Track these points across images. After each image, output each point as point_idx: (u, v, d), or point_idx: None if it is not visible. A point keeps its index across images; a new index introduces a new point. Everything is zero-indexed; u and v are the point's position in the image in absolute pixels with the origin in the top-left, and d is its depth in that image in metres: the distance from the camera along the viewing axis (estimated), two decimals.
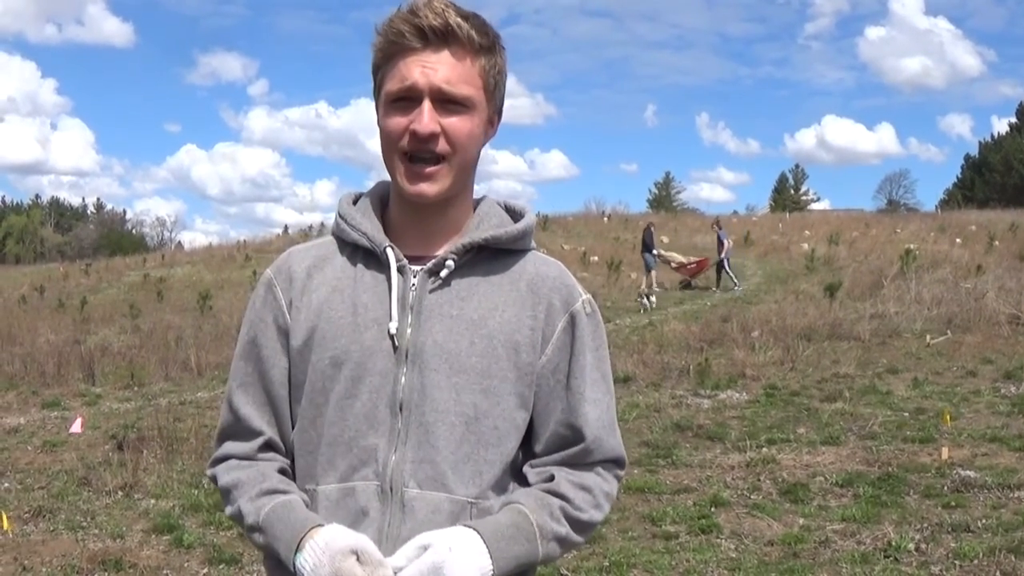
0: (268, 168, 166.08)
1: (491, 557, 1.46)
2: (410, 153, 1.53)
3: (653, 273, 24.61)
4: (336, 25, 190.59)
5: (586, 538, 1.65)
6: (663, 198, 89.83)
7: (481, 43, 1.54)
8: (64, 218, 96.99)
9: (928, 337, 14.02)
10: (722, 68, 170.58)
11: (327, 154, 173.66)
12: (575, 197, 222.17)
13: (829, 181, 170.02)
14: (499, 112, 1.64)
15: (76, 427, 9.30)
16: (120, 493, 7.14)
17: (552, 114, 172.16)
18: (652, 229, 26.70)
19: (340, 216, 1.64)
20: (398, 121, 1.53)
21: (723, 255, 24.68)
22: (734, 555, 5.65)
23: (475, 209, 1.67)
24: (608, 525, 6.22)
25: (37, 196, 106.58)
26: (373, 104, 1.60)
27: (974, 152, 78.70)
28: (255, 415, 1.63)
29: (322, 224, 46.93)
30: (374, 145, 1.60)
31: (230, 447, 1.65)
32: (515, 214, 1.70)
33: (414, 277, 1.57)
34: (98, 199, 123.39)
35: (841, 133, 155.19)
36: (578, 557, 5.63)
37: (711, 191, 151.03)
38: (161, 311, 22.65)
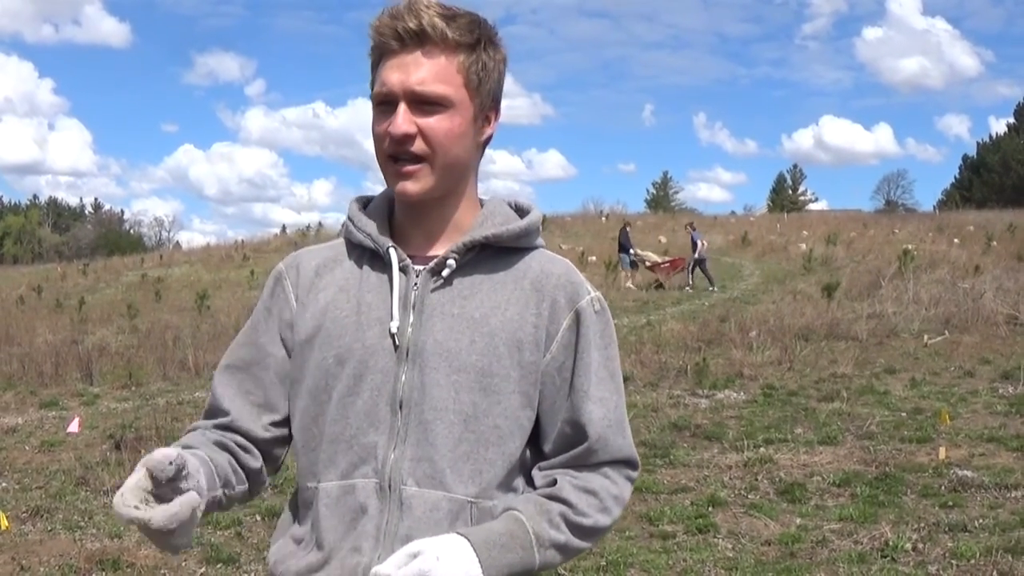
0: (265, 168, 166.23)
1: (481, 566, 1.44)
2: (393, 155, 1.55)
3: (630, 272, 25.46)
4: (333, 25, 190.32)
5: (593, 543, 1.62)
6: (661, 198, 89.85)
7: (459, 40, 1.53)
8: (62, 218, 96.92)
9: (926, 337, 14.04)
10: (719, 68, 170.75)
11: (324, 154, 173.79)
12: (573, 197, 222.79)
13: (827, 181, 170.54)
14: (494, 108, 1.63)
15: (74, 427, 9.29)
16: None
17: (550, 114, 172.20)
18: (628, 229, 27.15)
19: (348, 219, 1.67)
20: (381, 125, 1.55)
21: (696, 255, 24.93)
22: (731, 555, 5.65)
23: (481, 208, 1.67)
24: None
25: (35, 196, 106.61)
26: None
27: (972, 152, 78.82)
28: (227, 396, 1.65)
29: (320, 224, 46.96)
30: (371, 145, 1.60)
31: (198, 422, 1.69)
32: (523, 212, 1.69)
33: (416, 277, 1.57)
34: (96, 199, 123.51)
35: (839, 133, 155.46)
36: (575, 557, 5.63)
37: (709, 191, 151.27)
38: (159, 311, 22.66)
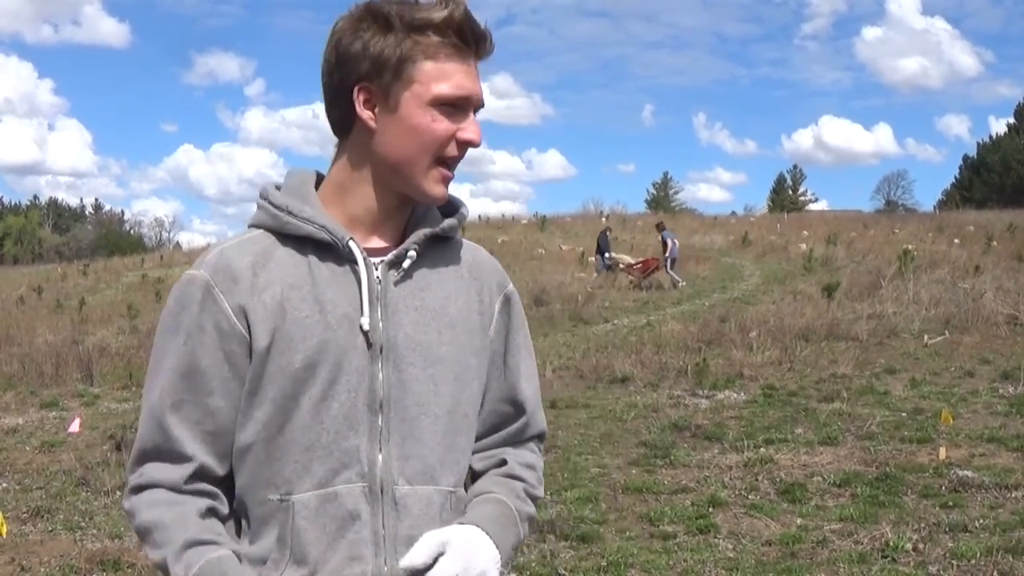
0: (265, 168, 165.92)
1: (497, 548, 1.50)
2: (447, 159, 1.52)
3: (603, 274, 26.48)
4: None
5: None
6: (661, 198, 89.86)
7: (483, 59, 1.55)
8: (62, 219, 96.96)
9: (926, 337, 14.03)
10: (719, 68, 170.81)
11: (324, 154, 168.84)
12: (573, 197, 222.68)
13: (827, 182, 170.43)
14: None
15: (74, 427, 9.30)
16: (118, 493, 7.13)
17: (549, 114, 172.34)
18: (607, 233, 28.56)
19: (280, 208, 1.53)
20: (447, 126, 1.50)
21: (667, 255, 25.53)
22: (732, 555, 5.65)
23: None
24: (606, 525, 6.23)
25: (35, 197, 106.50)
26: (363, 90, 1.50)
27: (972, 152, 78.78)
28: (188, 437, 1.49)
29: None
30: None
31: (154, 472, 1.51)
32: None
33: (376, 270, 1.54)
34: (96, 200, 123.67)
35: (838, 133, 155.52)
36: (576, 557, 5.64)
37: (709, 191, 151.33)
38: (159, 311, 22.53)
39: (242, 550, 1.50)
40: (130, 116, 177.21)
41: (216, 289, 1.48)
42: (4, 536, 6.03)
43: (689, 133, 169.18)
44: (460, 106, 1.50)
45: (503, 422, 1.69)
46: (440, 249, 1.61)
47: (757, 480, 7.17)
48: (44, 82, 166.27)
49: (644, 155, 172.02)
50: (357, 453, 1.48)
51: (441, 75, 1.48)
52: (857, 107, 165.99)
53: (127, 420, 9.41)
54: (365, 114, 1.49)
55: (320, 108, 1.58)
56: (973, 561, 5.30)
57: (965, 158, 79.06)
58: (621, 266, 26.69)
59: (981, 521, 5.98)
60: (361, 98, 1.49)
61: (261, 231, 1.55)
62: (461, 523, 1.51)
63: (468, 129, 1.51)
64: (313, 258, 1.51)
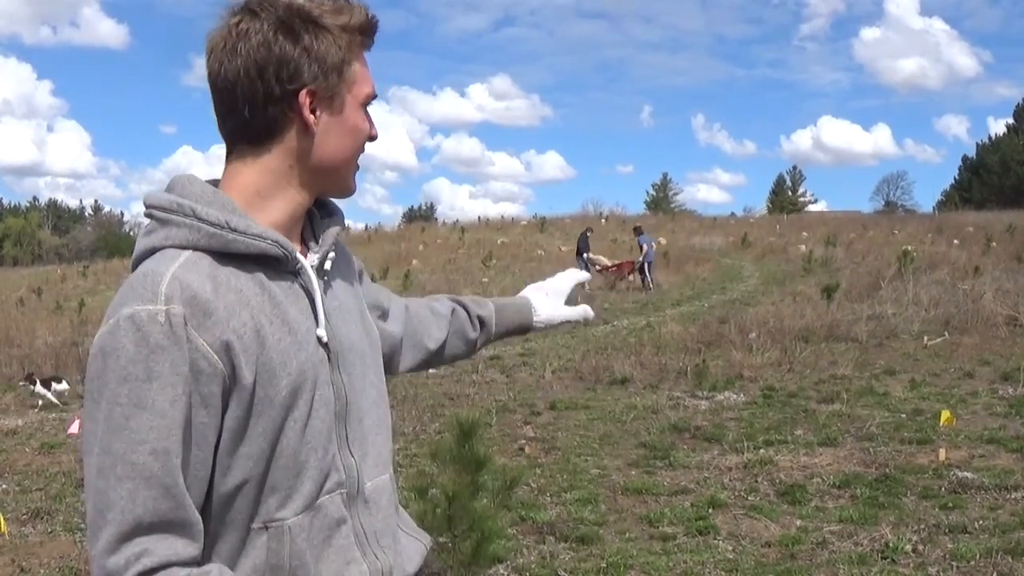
0: None
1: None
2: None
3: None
4: None
5: None
6: (661, 200, 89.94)
7: None
8: (62, 220, 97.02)
9: (925, 338, 14.03)
10: (718, 69, 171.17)
11: None
12: (572, 199, 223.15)
13: (826, 182, 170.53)
14: None
15: (74, 429, 9.29)
16: None
17: (548, 115, 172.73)
18: (588, 235, 28.88)
19: (218, 224, 1.38)
20: (368, 125, 1.53)
21: (642, 258, 25.89)
22: (731, 556, 5.65)
23: None
24: (605, 526, 6.23)
25: (34, 198, 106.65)
26: (309, 93, 1.44)
27: (971, 153, 78.94)
28: (190, 497, 1.33)
29: None
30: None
31: (166, 548, 1.29)
32: None
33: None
34: (95, 201, 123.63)
35: (837, 134, 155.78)
36: (575, 558, 5.64)
37: (708, 192, 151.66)
38: None
39: None
40: (129, 117, 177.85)
41: (188, 327, 1.30)
42: (4, 536, 6.04)
43: (688, 134, 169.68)
44: (369, 104, 1.54)
45: (409, 320, 1.88)
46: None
47: (757, 481, 7.17)
48: (43, 83, 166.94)
49: (643, 156, 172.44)
50: (335, 462, 1.48)
51: (364, 76, 1.51)
52: (856, 108, 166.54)
53: None
54: (310, 118, 1.45)
55: None
56: (973, 563, 5.30)
57: (964, 159, 79.30)
58: (598, 268, 26.98)
59: (981, 522, 5.98)
60: (307, 102, 1.44)
61: (189, 251, 1.38)
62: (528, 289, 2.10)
63: (374, 127, 1.54)
64: (261, 276, 1.42)
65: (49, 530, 6.38)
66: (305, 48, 1.42)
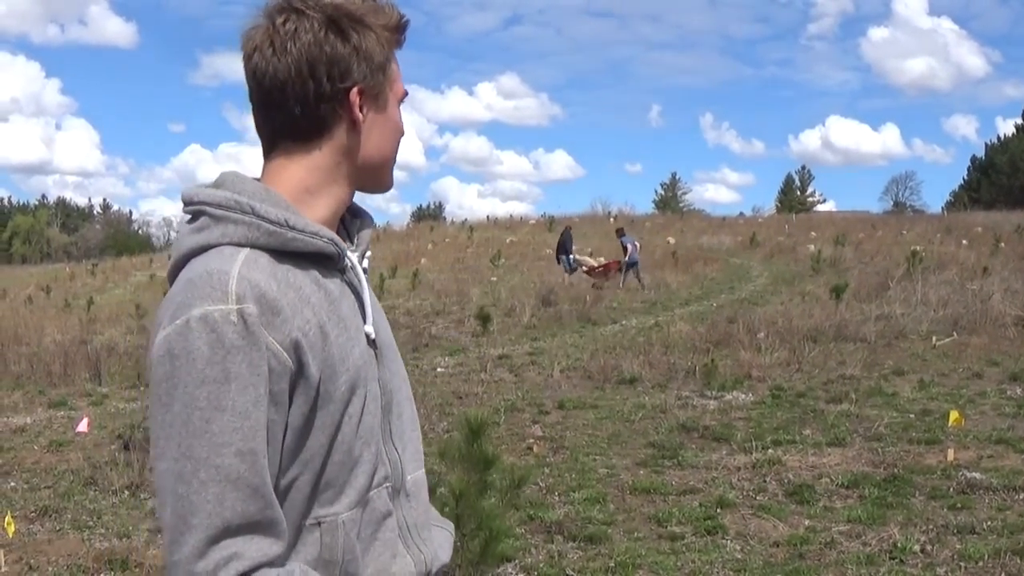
0: None
1: None
2: None
3: (569, 276, 26.96)
4: None
5: None
6: (669, 199, 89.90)
7: None
8: (70, 218, 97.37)
9: (934, 339, 14.00)
10: (726, 69, 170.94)
11: None
12: (580, 197, 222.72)
13: (834, 182, 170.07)
14: None
15: (82, 427, 9.31)
16: (126, 493, 7.16)
17: (557, 114, 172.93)
18: (570, 232, 29.01)
19: (278, 222, 1.39)
20: (400, 121, 1.57)
21: (627, 259, 25.95)
22: (740, 556, 5.64)
23: None
24: (614, 525, 6.23)
25: (43, 196, 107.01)
26: (360, 91, 1.46)
27: (979, 153, 78.75)
28: (274, 496, 1.34)
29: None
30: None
31: (255, 550, 1.29)
32: None
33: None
34: (104, 199, 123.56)
35: (846, 134, 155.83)
36: (584, 558, 5.64)
37: (716, 192, 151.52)
38: None
39: None
40: (137, 116, 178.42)
41: (260, 327, 1.30)
42: (12, 535, 6.05)
43: (696, 133, 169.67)
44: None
45: None
46: None
47: (765, 481, 7.16)
48: (51, 82, 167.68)
49: (651, 155, 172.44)
50: (383, 456, 1.51)
51: (399, 74, 1.53)
52: (864, 108, 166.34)
53: (135, 420, 9.43)
54: (358, 116, 1.47)
55: None
56: (981, 563, 5.29)
57: (973, 159, 79.12)
58: (584, 268, 27.10)
59: (989, 523, 5.97)
60: (357, 100, 1.46)
61: (247, 249, 1.38)
62: None
63: (404, 123, 1.57)
64: (315, 273, 1.44)
65: (57, 528, 6.39)
66: (355, 47, 1.44)
